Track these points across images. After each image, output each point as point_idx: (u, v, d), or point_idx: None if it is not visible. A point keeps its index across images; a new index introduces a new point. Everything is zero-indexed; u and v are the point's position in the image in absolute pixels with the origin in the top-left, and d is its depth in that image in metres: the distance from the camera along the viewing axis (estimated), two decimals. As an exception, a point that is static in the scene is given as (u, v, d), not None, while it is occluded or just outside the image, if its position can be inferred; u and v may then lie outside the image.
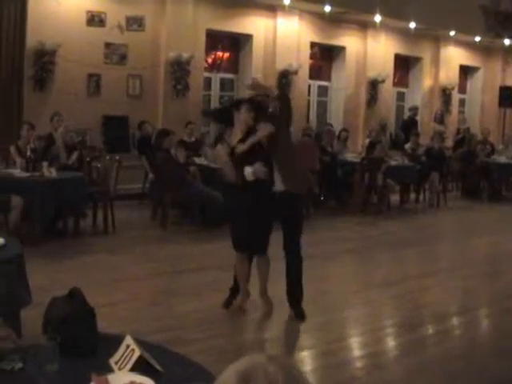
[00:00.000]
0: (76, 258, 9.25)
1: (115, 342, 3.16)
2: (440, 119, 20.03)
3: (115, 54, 14.68)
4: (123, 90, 14.82)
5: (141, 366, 2.97)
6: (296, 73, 17.27)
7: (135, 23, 14.86)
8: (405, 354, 6.64)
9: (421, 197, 16.29)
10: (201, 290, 8.10)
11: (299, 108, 17.54)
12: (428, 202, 16.11)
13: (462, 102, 23.40)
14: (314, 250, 10.54)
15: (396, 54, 20.28)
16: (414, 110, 19.37)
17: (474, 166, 17.52)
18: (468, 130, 19.94)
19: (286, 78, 17.16)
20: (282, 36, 17.17)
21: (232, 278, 7.44)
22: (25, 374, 2.87)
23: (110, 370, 2.96)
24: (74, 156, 11.25)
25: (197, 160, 12.80)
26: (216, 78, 17.08)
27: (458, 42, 21.81)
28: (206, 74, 16.68)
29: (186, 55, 15.14)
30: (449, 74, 21.76)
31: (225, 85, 17.41)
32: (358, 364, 6.27)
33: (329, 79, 19.39)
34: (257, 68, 17.00)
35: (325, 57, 19.28)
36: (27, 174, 9.95)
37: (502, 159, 18.48)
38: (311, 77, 18.52)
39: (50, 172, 10.03)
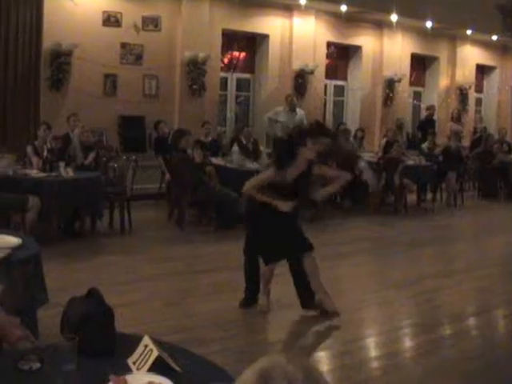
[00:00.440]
0: (93, 258, 9.27)
1: (133, 342, 3.15)
2: (457, 118, 19.98)
3: (131, 54, 14.71)
4: (139, 90, 14.84)
5: (159, 367, 2.96)
6: (312, 72, 17.26)
7: (151, 23, 14.88)
8: (422, 355, 6.60)
9: (438, 196, 16.21)
10: (218, 290, 8.10)
11: (315, 108, 17.56)
12: (445, 201, 16.05)
13: (478, 102, 23.32)
14: (330, 251, 10.57)
15: (412, 54, 20.22)
16: (431, 109, 19.31)
17: (491, 165, 17.45)
18: (485, 129, 19.88)
19: (302, 78, 17.17)
20: (299, 36, 17.16)
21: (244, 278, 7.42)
22: (42, 374, 2.87)
23: (128, 370, 2.95)
24: (91, 156, 11.27)
25: (213, 160, 12.80)
26: (232, 77, 17.09)
27: (475, 41, 21.72)
28: (222, 74, 16.68)
29: (202, 55, 15.15)
30: (465, 73, 21.68)
31: (241, 85, 17.42)
32: (375, 364, 6.25)
33: (345, 79, 19.36)
34: (273, 68, 17.00)
35: (341, 56, 19.25)
36: (44, 174, 9.98)
37: (519, 159, 18.43)
38: (327, 76, 18.50)
39: (66, 172, 10.06)
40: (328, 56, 18.49)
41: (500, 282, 9.67)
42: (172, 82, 15.28)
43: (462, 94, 21.51)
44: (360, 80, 19.12)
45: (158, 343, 3.13)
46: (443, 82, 21.33)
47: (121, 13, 14.43)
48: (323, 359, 6.34)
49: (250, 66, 17.47)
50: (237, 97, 17.33)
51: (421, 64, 21.31)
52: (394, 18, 17.97)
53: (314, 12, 17.34)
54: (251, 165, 12.65)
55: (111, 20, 14.38)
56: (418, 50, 20.43)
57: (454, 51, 21.41)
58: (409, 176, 14.58)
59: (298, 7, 16.79)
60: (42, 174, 10.00)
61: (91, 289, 3.39)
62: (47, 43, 13.34)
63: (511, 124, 22.57)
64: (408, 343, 7.04)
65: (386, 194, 14.91)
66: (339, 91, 19.21)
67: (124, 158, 11.92)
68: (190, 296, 7.92)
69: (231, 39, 16.97)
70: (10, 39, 12.95)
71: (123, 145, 14.30)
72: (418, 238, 12.24)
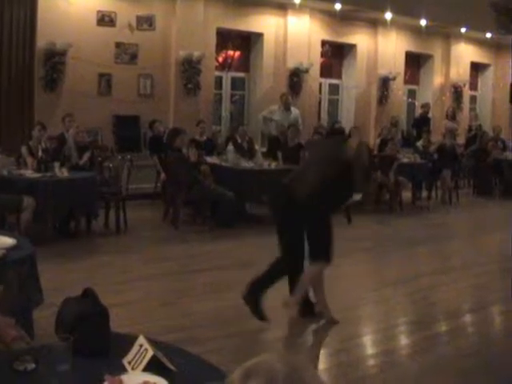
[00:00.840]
0: (88, 258, 9.27)
1: (128, 341, 3.14)
2: (451, 116, 19.98)
3: (126, 53, 14.68)
4: (134, 89, 14.83)
5: (154, 366, 2.95)
6: (307, 71, 17.25)
7: (145, 22, 14.86)
8: (418, 352, 6.61)
9: (433, 194, 16.24)
10: (214, 290, 8.11)
11: (310, 107, 17.57)
12: (440, 199, 16.08)
13: (473, 99, 23.35)
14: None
15: (407, 52, 20.23)
16: (426, 107, 19.34)
17: (486, 163, 17.48)
18: (480, 126, 19.91)
19: (297, 76, 17.17)
20: (293, 34, 17.16)
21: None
22: (37, 374, 2.87)
23: (124, 370, 2.95)
24: (86, 156, 11.25)
25: (208, 159, 12.80)
26: (227, 76, 17.08)
27: (469, 39, 21.75)
28: (217, 73, 16.67)
29: (196, 54, 15.14)
30: (460, 71, 21.71)
31: (236, 83, 17.41)
32: (372, 362, 6.25)
33: (340, 77, 19.37)
34: (268, 66, 17.00)
35: (336, 55, 19.25)
36: (39, 175, 9.96)
37: (514, 156, 18.47)
38: (322, 75, 18.50)
39: (61, 172, 10.06)
40: (323, 54, 18.48)
41: (496, 279, 9.68)
42: (167, 81, 15.27)
43: (457, 92, 21.52)
44: (355, 78, 19.12)
45: (153, 343, 3.13)
46: (438, 79, 21.35)
47: (115, 12, 14.41)
48: (320, 357, 6.35)
49: (244, 64, 17.47)
50: (232, 96, 17.32)
51: (415, 62, 21.32)
52: (388, 16, 18.00)
53: (308, 11, 17.33)
54: (246, 164, 12.66)
55: (105, 20, 14.36)
56: (413, 48, 20.44)
57: (449, 49, 21.43)
58: (404, 174, 14.59)
59: (293, 6, 16.79)
60: (36, 175, 9.98)
61: (86, 289, 3.38)
62: (41, 42, 13.31)
63: (506, 121, 22.58)
64: (404, 341, 7.04)
65: (382, 192, 14.93)
66: (334, 90, 19.21)
67: (119, 157, 11.92)
68: (186, 295, 7.91)
69: (226, 38, 16.95)
70: (4, 38, 12.92)
71: (118, 144, 14.29)
72: (413, 236, 12.25)
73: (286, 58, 17.11)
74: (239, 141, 13.79)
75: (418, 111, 20.05)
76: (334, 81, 19.23)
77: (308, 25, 17.47)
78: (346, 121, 18.13)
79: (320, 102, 18.71)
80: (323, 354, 6.44)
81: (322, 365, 6.12)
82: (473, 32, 20.82)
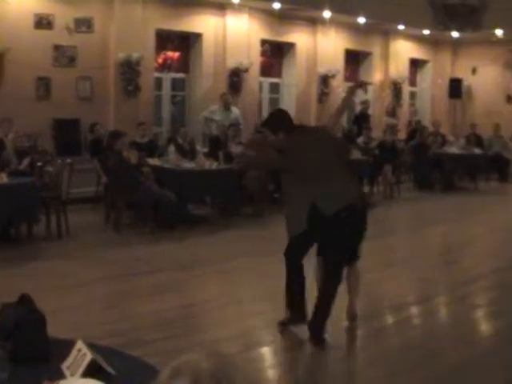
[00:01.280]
0: (29, 264, 9.17)
1: (68, 347, 3.13)
2: (391, 112, 20.22)
3: (64, 56, 14.52)
4: (73, 92, 14.68)
5: (93, 370, 2.95)
6: (247, 70, 17.26)
7: (84, 25, 14.73)
8: (364, 345, 6.71)
9: (375, 189, 16.42)
10: (156, 292, 8.10)
11: (251, 106, 17.59)
12: (382, 194, 16.25)
13: (412, 95, 23.60)
14: (271, 247, 10.61)
15: (346, 49, 20.37)
16: (366, 103, 19.51)
17: (426, 157, 17.71)
18: (419, 122, 20.17)
19: (236, 76, 17.17)
20: (232, 34, 17.16)
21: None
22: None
23: (63, 376, 2.94)
24: (26, 161, 11.14)
25: (150, 161, 12.74)
26: (167, 77, 17.01)
27: (407, 36, 22.00)
28: (157, 74, 16.59)
29: (135, 56, 15.05)
30: (399, 67, 21.93)
31: (176, 84, 17.36)
32: (319, 357, 6.32)
33: (280, 76, 19.41)
34: (207, 66, 16.98)
35: (275, 54, 19.30)
36: (-22, 181, 9.83)
37: (454, 150, 18.76)
38: (262, 74, 18.52)
39: (0, 178, 9.93)
40: (262, 54, 18.51)
41: (438, 271, 9.83)
42: (106, 83, 15.16)
43: (396, 88, 21.74)
44: (295, 77, 19.19)
45: (93, 347, 3.12)
46: (377, 76, 21.53)
47: (53, 15, 14.25)
48: (266, 355, 6.37)
49: (184, 65, 17.41)
50: (172, 97, 17.27)
51: (354, 59, 21.47)
52: (327, 14, 18.09)
53: (247, 10, 17.35)
54: (188, 164, 12.65)
55: (43, 22, 14.18)
56: (352, 46, 20.59)
57: (387, 46, 21.64)
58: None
59: (231, 5, 16.80)
60: (-25, 181, 9.85)
61: (23, 295, 3.36)
62: (-22, 47, 13.14)
63: (445, 116, 22.88)
64: (350, 335, 7.11)
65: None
66: (274, 88, 19.26)
67: (59, 161, 11.79)
68: (128, 299, 7.90)
69: (165, 39, 16.87)
70: None
71: (58, 148, 14.12)
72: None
73: (226, 57, 17.10)
74: (180, 142, 13.77)
75: (358, 108, 20.19)
76: (274, 79, 19.28)
77: (247, 24, 17.49)
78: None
79: (260, 101, 18.73)
80: (269, 352, 6.46)
81: (268, 362, 6.16)
82: (411, 29, 21.06)
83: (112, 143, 11.79)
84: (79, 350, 3.04)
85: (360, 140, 16.82)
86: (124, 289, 8.31)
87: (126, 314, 7.21)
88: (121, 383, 2.93)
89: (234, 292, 8.28)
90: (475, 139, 20.01)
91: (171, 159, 12.85)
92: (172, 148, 13.29)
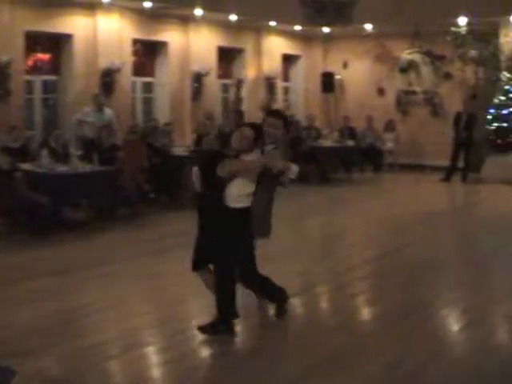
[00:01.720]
0: None
1: None
2: (266, 108, 20.36)
3: None
4: None
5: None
6: (119, 71, 17.11)
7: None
8: (248, 337, 6.80)
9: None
10: (32, 299, 7.96)
11: (124, 106, 17.46)
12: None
13: (286, 90, 23.85)
14: (146, 247, 10.65)
15: (219, 47, 20.42)
16: (239, 100, 19.61)
17: (300, 151, 17.94)
18: (292, 116, 20.44)
19: (109, 76, 17.01)
20: (103, 34, 16.96)
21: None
22: None
23: None
24: None
25: (22, 166, 12.49)
26: (38, 80, 16.67)
27: (279, 32, 22.20)
28: (28, 77, 16.21)
29: (4, 59, 14.72)
30: (271, 63, 22.13)
31: (47, 87, 17.04)
32: (205, 352, 6.48)
33: (153, 75, 19.30)
34: (79, 68, 16.73)
35: (148, 53, 19.18)
36: None
37: (328, 143, 19.14)
38: (135, 74, 18.37)
39: None
40: (134, 53, 18.38)
41: (316, 263, 10.03)
42: (-25, 87, 14.79)
43: (270, 84, 21.93)
44: (168, 76, 19.11)
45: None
46: (250, 73, 21.67)
47: None
48: (146, 356, 6.35)
49: (55, 67, 17.09)
50: (44, 100, 16.94)
51: (227, 56, 21.54)
52: (198, 12, 18.11)
53: (117, 10, 17.19)
54: (62, 168, 12.45)
55: None
56: (224, 43, 20.65)
57: (260, 42, 21.78)
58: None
59: (101, 5, 16.63)
60: None
61: None
62: None
63: (319, 110, 23.25)
64: (236, 328, 7.16)
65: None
66: (147, 88, 19.12)
67: None
68: (4, 306, 7.72)
69: (35, 41, 16.50)
70: None
71: None
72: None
73: (98, 58, 16.89)
74: (53, 145, 13.53)
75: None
76: (147, 79, 19.14)
77: (118, 24, 17.32)
78: (162, 118, 18.05)
79: (134, 101, 18.59)
80: (150, 353, 6.44)
81: (148, 363, 6.15)
82: (282, 25, 21.29)
83: (-18, 149, 11.52)
84: None
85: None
86: (-1, 296, 8.15)
87: (2, 323, 7.05)
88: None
89: (113, 295, 8.22)
90: (349, 132, 20.45)
91: (44, 163, 12.62)
92: (45, 152, 13.05)
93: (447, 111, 21.14)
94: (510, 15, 18.73)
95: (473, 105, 19.69)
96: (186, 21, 19.08)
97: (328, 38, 23.19)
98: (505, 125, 18.98)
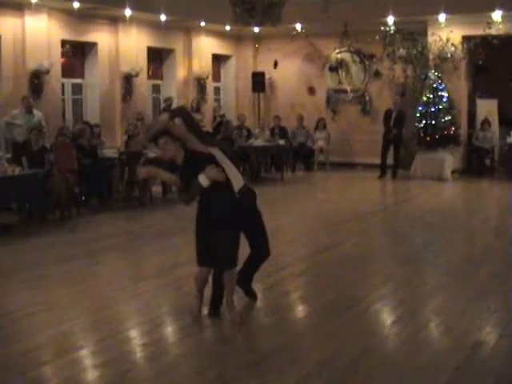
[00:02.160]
0: None
1: None
2: (196, 108, 20.37)
3: None
4: None
5: None
6: (48, 72, 16.88)
7: None
8: (182, 338, 6.79)
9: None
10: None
11: (54, 108, 17.26)
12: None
13: (217, 90, 23.86)
14: (77, 251, 10.58)
15: (149, 47, 20.32)
16: (169, 100, 19.63)
17: (232, 151, 17.99)
18: (223, 116, 20.46)
19: (37, 78, 16.77)
20: (31, 35, 16.69)
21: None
22: None
23: None
24: None
25: None
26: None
27: (210, 32, 22.18)
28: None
29: None
30: (202, 63, 22.10)
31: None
32: (139, 354, 6.41)
33: (82, 76, 19.11)
34: (7, 69, 16.45)
35: (77, 54, 18.97)
36: None
37: (259, 142, 19.21)
38: (64, 75, 18.14)
39: None
40: (63, 54, 18.16)
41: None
42: None
43: (200, 84, 21.90)
44: (97, 77, 18.94)
45: None
46: (181, 73, 21.61)
47: None
48: (76, 360, 6.27)
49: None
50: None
51: (157, 57, 21.47)
52: (128, 12, 18.01)
53: (46, 10, 16.95)
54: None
55: None
56: (154, 44, 20.56)
57: (190, 42, 21.73)
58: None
59: (29, 6, 16.38)
60: None
61: None
62: None
63: (250, 110, 23.31)
64: (166, 331, 7.20)
65: (131, 189, 15.03)
66: (77, 89, 18.89)
67: None
68: None
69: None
70: None
71: None
72: (166, 229, 12.48)
73: (26, 59, 16.63)
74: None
75: (162, 105, 20.30)
76: (77, 80, 18.93)
77: (46, 25, 17.08)
78: (92, 120, 17.89)
79: (64, 103, 18.37)
80: (79, 358, 6.37)
81: (79, 368, 6.09)
82: (213, 25, 21.28)
83: None
84: None
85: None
86: None
87: None
88: None
89: (44, 299, 8.12)
90: (280, 131, 20.54)
91: (-28, 167, 12.43)
92: (-28, 156, 12.86)
93: (377, 109, 21.43)
94: (437, 14, 19.02)
95: (402, 102, 19.98)
96: (116, 21, 18.95)
97: (258, 38, 23.28)
98: (433, 122, 19.29)
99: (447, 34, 19.49)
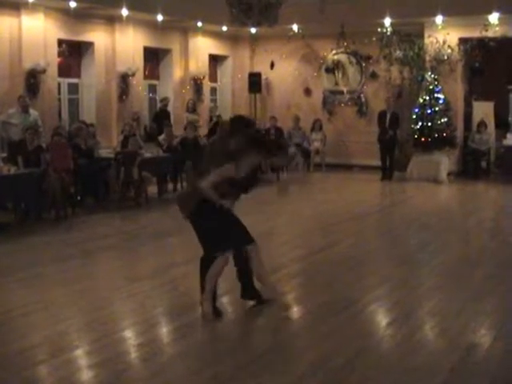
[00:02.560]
0: None
1: None
2: (192, 108, 20.39)
3: None
4: None
5: None
6: (44, 72, 16.88)
7: None
8: (176, 339, 6.78)
9: (178, 186, 16.58)
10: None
11: (50, 108, 17.25)
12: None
13: (213, 91, 23.84)
14: (73, 250, 10.56)
15: (145, 47, 20.31)
16: (165, 100, 19.63)
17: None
18: (220, 116, 20.44)
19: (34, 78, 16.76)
20: (28, 34, 16.69)
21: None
22: None
23: None
24: None
25: None
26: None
27: (206, 33, 22.17)
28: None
29: None
30: (198, 63, 22.08)
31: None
32: (134, 354, 6.38)
33: (79, 76, 19.10)
34: (3, 69, 16.44)
35: (73, 53, 18.95)
36: None
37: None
38: (60, 75, 18.14)
39: None
40: (60, 54, 18.14)
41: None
42: None
43: (197, 85, 21.90)
44: (94, 76, 18.92)
45: None
46: (177, 73, 21.60)
47: None
48: (72, 361, 6.26)
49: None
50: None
51: (154, 57, 21.46)
52: (124, 12, 17.99)
53: (42, 9, 16.95)
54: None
55: None
56: (151, 43, 20.55)
57: (187, 43, 21.72)
58: (148, 169, 14.81)
59: (26, 5, 16.37)
60: None
61: None
62: None
63: (246, 110, 23.27)
64: (161, 331, 7.19)
65: (127, 189, 15.03)
66: (73, 89, 18.87)
67: None
68: None
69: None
70: None
71: None
72: (162, 229, 12.45)
73: (22, 58, 16.64)
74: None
75: (158, 105, 20.29)
76: (73, 80, 18.91)
77: (43, 24, 17.08)
78: (88, 119, 17.87)
79: (60, 103, 18.35)
80: (74, 358, 6.36)
81: (73, 368, 6.08)
82: (209, 25, 21.26)
83: None
84: None
85: (161, 137, 16.93)
86: None
87: None
88: None
89: (40, 299, 8.10)
90: (276, 132, 20.52)
91: (-32, 166, 12.43)
92: (-31, 154, 12.86)
93: (373, 111, 21.41)
94: (434, 16, 19.03)
95: (398, 104, 19.99)
96: (112, 21, 18.94)
97: (255, 39, 23.27)
98: (429, 124, 19.31)
99: (444, 35, 19.49)
